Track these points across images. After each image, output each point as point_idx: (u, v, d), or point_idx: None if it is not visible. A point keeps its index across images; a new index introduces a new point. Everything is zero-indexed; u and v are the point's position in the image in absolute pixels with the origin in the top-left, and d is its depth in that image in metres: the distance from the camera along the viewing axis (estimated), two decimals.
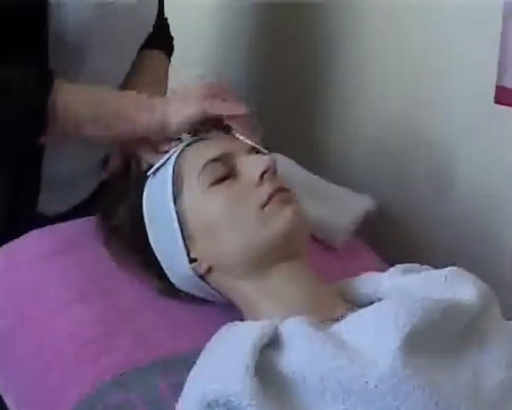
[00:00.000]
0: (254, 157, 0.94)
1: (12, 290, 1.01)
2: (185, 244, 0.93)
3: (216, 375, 0.75)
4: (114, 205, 1.01)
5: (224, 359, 0.77)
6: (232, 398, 0.72)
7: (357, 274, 0.97)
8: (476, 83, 1.17)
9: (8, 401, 0.95)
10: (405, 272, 0.93)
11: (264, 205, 0.90)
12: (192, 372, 0.80)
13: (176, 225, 0.93)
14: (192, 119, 0.98)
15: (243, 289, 0.91)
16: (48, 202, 1.15)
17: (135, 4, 1.12)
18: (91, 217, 1.07)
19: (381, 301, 0.86)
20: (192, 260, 0.93)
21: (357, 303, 0.91)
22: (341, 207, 1.16)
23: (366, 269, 0.98)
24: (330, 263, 1.08)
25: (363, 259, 1.14)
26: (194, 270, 0.93)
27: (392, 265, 0.97)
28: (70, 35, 1.02)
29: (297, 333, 0.79)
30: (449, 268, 0.89)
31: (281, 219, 0.89)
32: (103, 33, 1.07)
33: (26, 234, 1.06)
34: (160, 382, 0.86)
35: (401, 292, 0.88)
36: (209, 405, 0.73)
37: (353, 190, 1.23)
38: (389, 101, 1.35)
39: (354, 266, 1.05)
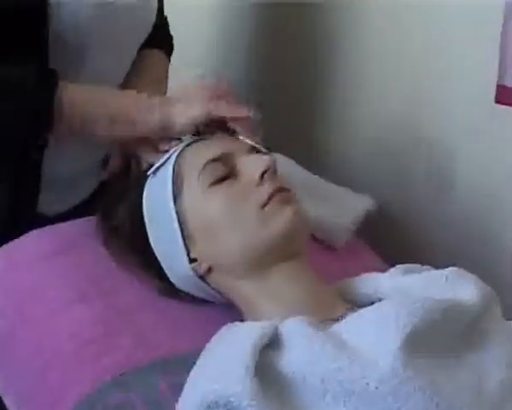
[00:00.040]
0: (254, 157, 0.94)
1: (12, 290, 1.01)
2: (185, 244, 0.93)
3: (216, 375, 0.75)
4: (114, 205, 1.01)
5: (224, 359, 0.77)
6: (232, 398, 0.72)
7: (357, 274, 0.97)
8: (476, 83, 1.17)
9: (7, 402, 0.95)
10: (406, 272, 0.93)
11: (265, 205, 0.90)
12: (192, 373, 0.80)
13: (176, 224, 0.93)
14: (196, 120, 0.98)
15: (243, 290, 0.91)
16: (48, 202, 1.15)
17: (135, 4, 1.12)
18: (91, 217, 1.07)
19: (382, 302, 0.86)
20: (192, 260, 0.93)
21: (357, 303, 0.91)
22: (342, 207, 1.16)
23: (366, 269, 0.98)
24: (330, 263, 1.08)
25: (363, 259, 1.14)
26: (194, 270, 0.93)
27: (393, 265, 0.97)
28: (70, 35, 1.02)
29: (297, 333, 0.79)
30: (450, 268, 0.89)
31: (281, 219, 0.89)
32: (103, 33, 1.07)
33: (26, 234, 1.06)
34: (160, 382, 0.86)
35: (402, 292, 0.88)
36: (209, 406, 0.73)
37: (353, 190, 1.23)
38: (389, 101, 1.35)
39: (354, 267, 1.05)
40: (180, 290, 0.98)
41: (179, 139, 1.00)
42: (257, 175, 0.91)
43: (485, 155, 1.20)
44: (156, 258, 0.96)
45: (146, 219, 0.96)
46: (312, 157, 1.42)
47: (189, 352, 0.87)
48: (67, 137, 1.04)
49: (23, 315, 0.98)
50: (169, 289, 0.98)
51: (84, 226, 1.07)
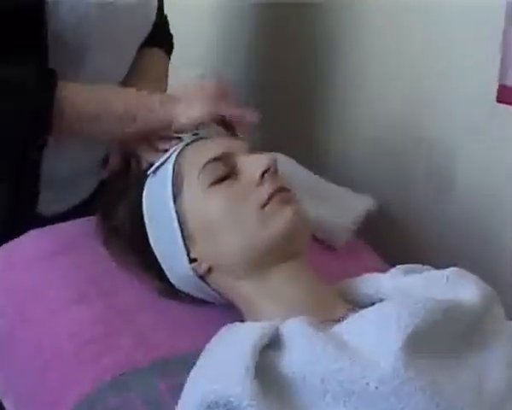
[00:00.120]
0: (255, 157, 0.93)
1: (12, 290, 1.01)
2: (185, 244, 0.93)
3: (216, 376, 0.75)
4: (114, 204, 1.00)
5: (224, 360, 0.77)
6: (232, 399, 0.71)
7: (357, 274, 0.96)
8: (477, 82, 1.17)
9: (7, 404, 0.95)
10: (407, 272, 0.92)
11: (265, 205, 0.90)
12: (192, 373, 0.80)
13: (176, 224, 0.93)
14: (196, 121, 0.98)
15: (243, 290, 0.91)
16: (47, 202, 1.15)
17: (135, 4, 1.12)
18: (91, 217, 1.07)
19: (383, 302, 0.85)
20: (192, 261, 0.93)
21: (358, 304, 0.91)
22: (342, 207, 1.16)
23: (367, 269, 0.98)
24: (331, 263, 1.08)
25: (363, 259, 1.13)
26: (194, 270, 0.93)
27: (393, 265, 0.97)
28: (69, 35, 1.02)
29: (298, 333, 0.78)
30: (451, 269, 0.89)
31: (281, 219, 0.89)
32: (103, 33, 1.07)
33: (25, 234, 1.06)
34: (160, 382, 0.86)
35: (403, 293, 0.88)
36: (209, 406, 0.72)
37: (353, 190, 1.23)
38: (389, 101, 1.35)
39: (355, 267, 1.05)
40: (180, 291, 0.98)
41: (179, 138, 1.00)
42: (257, 175, 0.90)
43: (485, 155, 1.20)
44: (156, 258, 0.96)
45: (146, 219, 0.96)
46: (312, 157, 1.42)
47: (189, 352, 0.87)
48: (68, 137, 1.04)
49: (23, 315, 0.98)
50: (169, 289, 0.98)
51: (84, 226, 1.07)
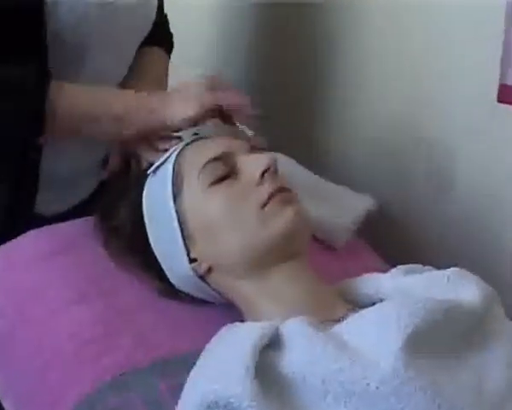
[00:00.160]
0: (255, 156, 0.93)
1: (11, 290, 1.01)
2: (185, 244, 0.93)
3: (216, 376, 0.75)
4: (114, 204, 1.00)
5: (224, 360, 0.77)
6: (232, 399, 0.71)
7: (357, 274, 0.96)
8: (477, 82, 1.17)
9: (6, 405, 0.95)
10: (407, 272, 0.92)
11: (265, 205, 0.89)
12: (192, 373, 0.80)
13: (176, 224, 0.93)
14: (193, 117, 0.98)
15: (243, 290, 0.91)
16: (47, 202, 1.15)
17: (135, 4, 1.12)
18: (90, 217, 1.07)
19: (383, 302, 0.85)
20: (192, 260, 0.93)
21: (358, 304, 0.90)
22: (342, 207, 1.16)
23: (367, 269, 0.98)
24: (331, 263, 1.08)
25: (364, 259, 1.13)
26: (194, 270, 0.93)
27: (393, 265, 0.96)
28: (69, 34, 1.02)
29: (298, 333, 0.78)
30: (451, 269, 0.89)
31: (281, 219, 0.89)
32: (103, 33, 1.07)
33: (24, 234, 1.06)
34: (160, 382, 0.86)
35: (403, 293, 0.88)
36: (209, 406, 0.72)
37: (353, 189, 1.23)
38: (389, 101, 1.35)
39: (355, 267, 1.05)
40: (180, 291, 0.97)
41: (179, 138, 0.99)
42: (257, 174, 0.90)
43: (485, 155, 1.19)
44: (156, 258, 0.96)
45: (146, 219, 0.96)
46: (312, 157, 1.42)
47: (189, 352, 0.87)
48: (66, 137, 1.04)
49: (23, 315, 0.98)
50: (169, 289, 0.98)
51: (83, 226, 1.07)
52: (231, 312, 0.93)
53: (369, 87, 1.39)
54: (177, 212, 0.93)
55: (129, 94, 1.04)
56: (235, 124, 1.01)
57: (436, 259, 1.07)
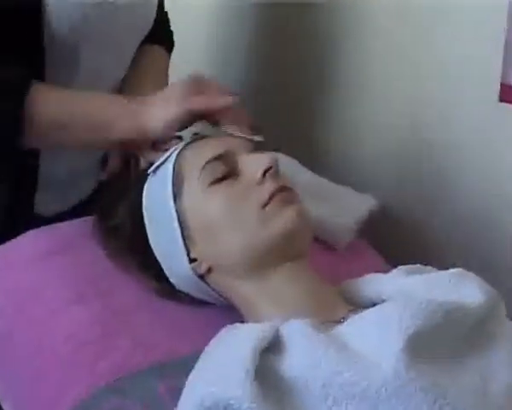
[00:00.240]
0: (256, 156, 0.93)
1: (10, 290, 1.01)
2: (185, 244, 0.92)
3: (215, 379, 0.74)
4: (114, 204, 1.00)
5: (224, 362, 0.76)
6: (232, 401, 0.71)
7: (359, 275, 0.96)
8: (479, 82, 1.17)
9: (5, 406, 0.95)
10: (409, 273, 0.92)
11: (265, 204, 0.89)
12: (191, 376, 0.79)
13: (176, 224, 0.92)
14: (174, 122, 0.96)
15: (243, 290, 0.90)
16: (46, 203, 1.15)
17: (135, 3, 1.11)
18: (88, 217, 1.06)
19: (384, 303, 0.85)
20: (192, 260, 0.92)
21: (359, 305, 0.90)
22: (344, 208, 1.15)
23: (369, 270, 0.97)
24: (333, 264, 1.08)
25: (365, 259, 1.13)
26: (194, 270, 0.92)
27: (395, 265, 0.96)
28: (68, 34, 1.02)
29: (299, 336, 0.78)
30: (454, 270, 0.88)
31: (281, 219, 0.88)
32: (103, 33, 1.07)
33: (23, 234, 1.05)
34: (159, 385, 0.86)
35: (405, 294, 0.87)
36: (209, 408, 0.72)
37: (354, 190, 1.23)
38: (391, 101, 1.35)
39: (357, 267, 1.05)
40: (180, 291, 0.97)
41: (179, 138, 0.99)
42: (258, 174, 0.90)
43: (487, 155, 1.20)
44: (156, 258, 0.96)
45: (146, 219, 0.96)
46: (312, 157, 1.41)
47: (188, 355, 0.86)
48: (42, 145, 1.02)
49: (22, 315, 0.97)
50: (167, 290, 0.97)
51: (82, 226, 1.06)
52: (231, 313, 0.93)
53: (372, 87, 1.39)
54: (177, 212, 0.92)
55: (104, 99, 1.01)
56: (219, 125, 0.99)
57: (437, 259, 1.08)
